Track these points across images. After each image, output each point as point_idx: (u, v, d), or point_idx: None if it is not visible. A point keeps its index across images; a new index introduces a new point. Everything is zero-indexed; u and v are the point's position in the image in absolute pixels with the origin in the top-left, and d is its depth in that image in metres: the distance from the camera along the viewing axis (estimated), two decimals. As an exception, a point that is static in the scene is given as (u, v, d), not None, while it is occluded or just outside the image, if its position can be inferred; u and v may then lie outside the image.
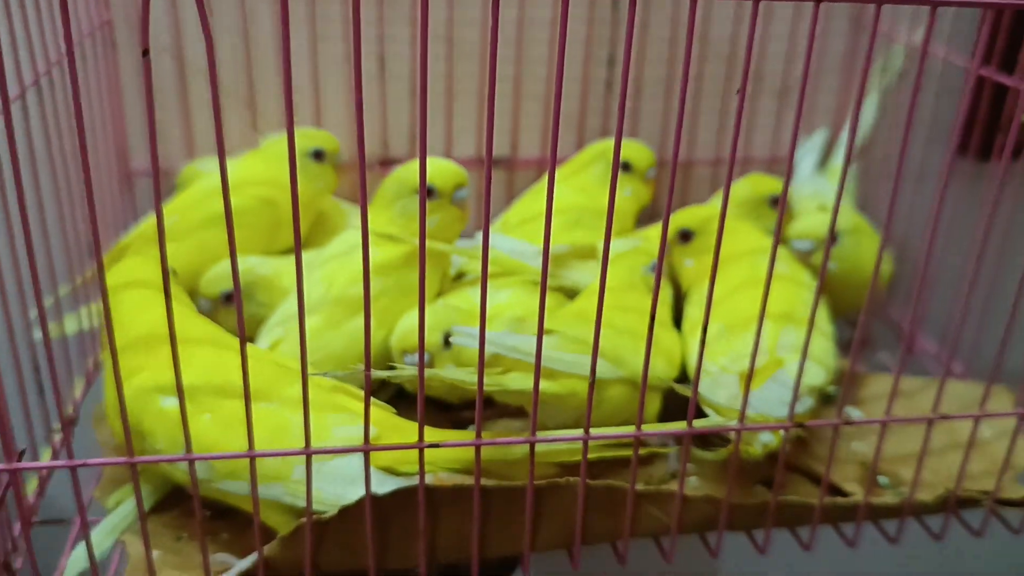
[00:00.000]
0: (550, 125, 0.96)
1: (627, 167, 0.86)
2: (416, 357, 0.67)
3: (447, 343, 0.69)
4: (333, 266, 0.73)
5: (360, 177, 0.44)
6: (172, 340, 0.48)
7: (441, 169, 0.74)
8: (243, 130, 0.92)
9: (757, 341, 0.54)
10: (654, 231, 0.85)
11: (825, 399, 0.71)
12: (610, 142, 0.88)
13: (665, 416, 0.68)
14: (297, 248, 0.47)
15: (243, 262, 0.76)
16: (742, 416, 0.56)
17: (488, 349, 0.60)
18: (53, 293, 0.73)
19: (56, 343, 0.62)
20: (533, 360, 0.51)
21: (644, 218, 0.91)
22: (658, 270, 0.51)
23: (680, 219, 0.78)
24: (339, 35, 0.89)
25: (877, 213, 0.94)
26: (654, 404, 0.68)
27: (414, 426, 0.57)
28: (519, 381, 0.60)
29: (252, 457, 0.51)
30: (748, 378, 0.55)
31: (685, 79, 0.45)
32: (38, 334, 0.64)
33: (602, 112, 0.96)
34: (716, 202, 0.88)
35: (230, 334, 0.63)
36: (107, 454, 0.67)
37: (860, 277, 0.83)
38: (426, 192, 0.73)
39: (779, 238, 0.52)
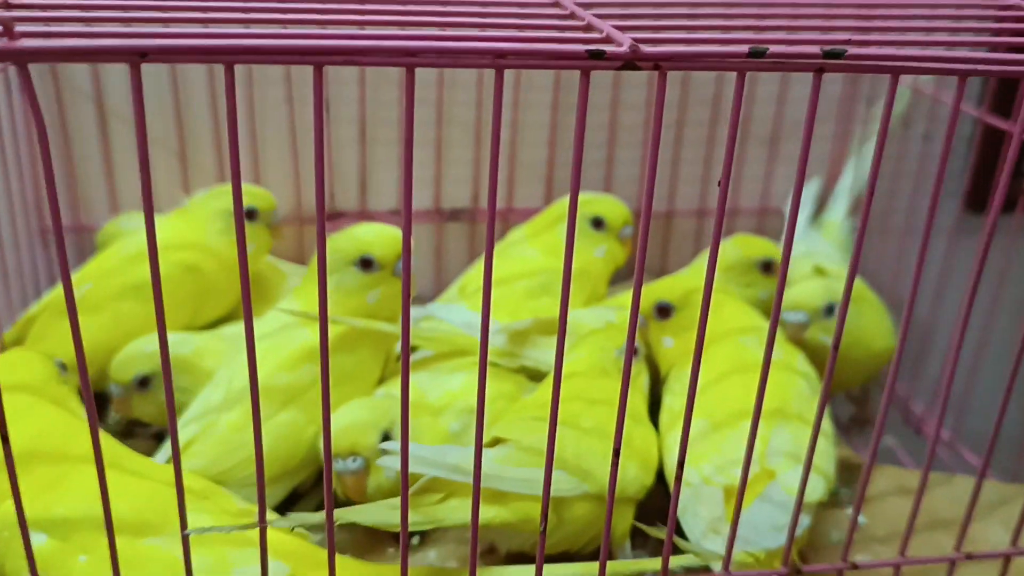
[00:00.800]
0: (515, 174, 0.86)
1: (600, 224, 0.77)
2: (350, 463, 0.58)
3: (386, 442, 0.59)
4: (257, 351, 0.63)
5: (319, 249, 0.34)
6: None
7: (381, 237, 0.64)
8: (172, 186, 0.83)
9: (747, 465, 0.45)
10: (628, 298, 0.76)
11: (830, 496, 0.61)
12: (581, 197, 0.79)
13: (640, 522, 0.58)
14: (249, 337, 0.37)
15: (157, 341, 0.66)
16: (727, 562, 0.46)
17: (421, 470, 0.50)
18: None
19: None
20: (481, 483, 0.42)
21: (620, 277, 0.82)
22: (627, 363, 0.41)
23: (657, 291, 0.69)
24: (278, 76, 0.80)
25: (875, 273, 0.85)
26: (625, 519, 0.58)
27: (342, 560, 0.47)
28: (459, 512, 0.50)
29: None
30: (736, 510, 0.45)
31: (657, 135, 0.36)
32: None
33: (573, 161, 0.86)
34: (699, 264, 0.79)
35: (124, 447, 0.54)
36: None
37: (861, 352, 0.74)
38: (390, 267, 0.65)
39: (777, 323, 0.43)
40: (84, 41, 0.31)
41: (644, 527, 0.50)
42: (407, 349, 0.40)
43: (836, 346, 0.44)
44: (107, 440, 0.54)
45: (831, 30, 0.44)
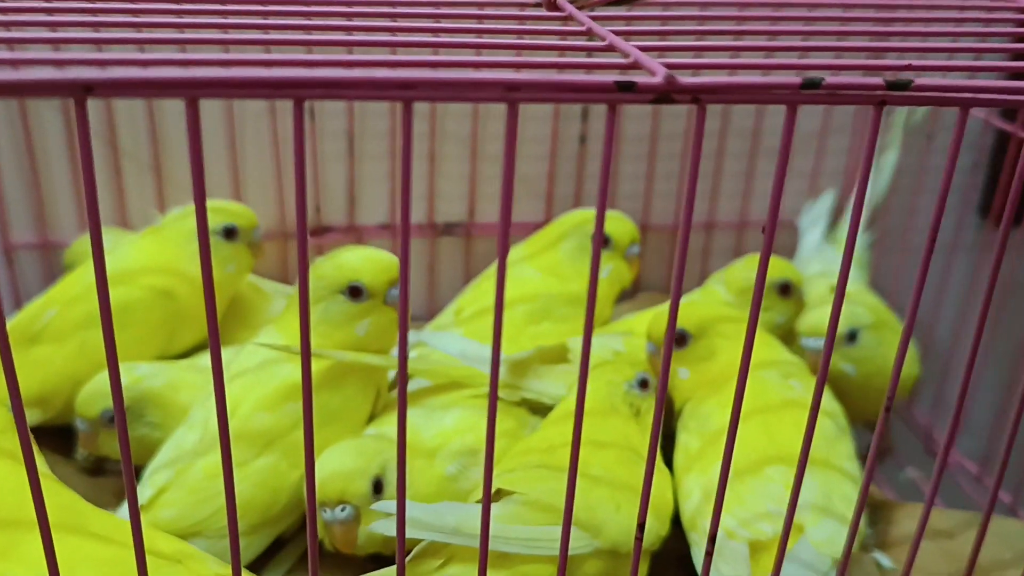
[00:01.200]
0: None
1: (606, 243, 0.72)
2: (338, 512, 0.53)
3: (377, 490, 0.54)
4: (235, 388, 0.58)
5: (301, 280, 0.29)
6: None
7: (371, 262, 0.59)
8: (145, 203, 0.78)
9: (786, 534, 0.40)
10: (639, 321, 0.71)
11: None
12: (585, 213, 0.74)
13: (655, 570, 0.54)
14: (219, 383, 0.32)
15: (130, 372, 0.62)
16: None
17: (418, 535, 0.45)
18: None
19: None
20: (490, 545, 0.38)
21: (624, 297, 0.77)
22: (657, 414, 0.36)
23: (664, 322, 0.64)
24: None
25: (897, 294, 0.80)
26: (640, 573, 0.53)
27: None
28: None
29: None
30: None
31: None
32: None
33: (574, 176, 0.81)
34: (709, 288, 0.74)
35: (86, 503, 0.48)
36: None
37: (883, 381, 0.69)
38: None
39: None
40: (18, 73, 0.26)
41: None
42: (404, 385, 0.35)
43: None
44: (68, 497, 0.48)
45: (854, 48, 0.39)
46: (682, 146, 0.82)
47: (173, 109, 0.75)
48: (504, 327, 0.68)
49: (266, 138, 0.76)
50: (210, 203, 0.69)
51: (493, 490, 0.51)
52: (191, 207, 0.69)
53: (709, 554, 0.39)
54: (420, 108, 0.76)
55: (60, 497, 0.48)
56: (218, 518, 0.55)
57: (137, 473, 0.63)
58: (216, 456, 0.55)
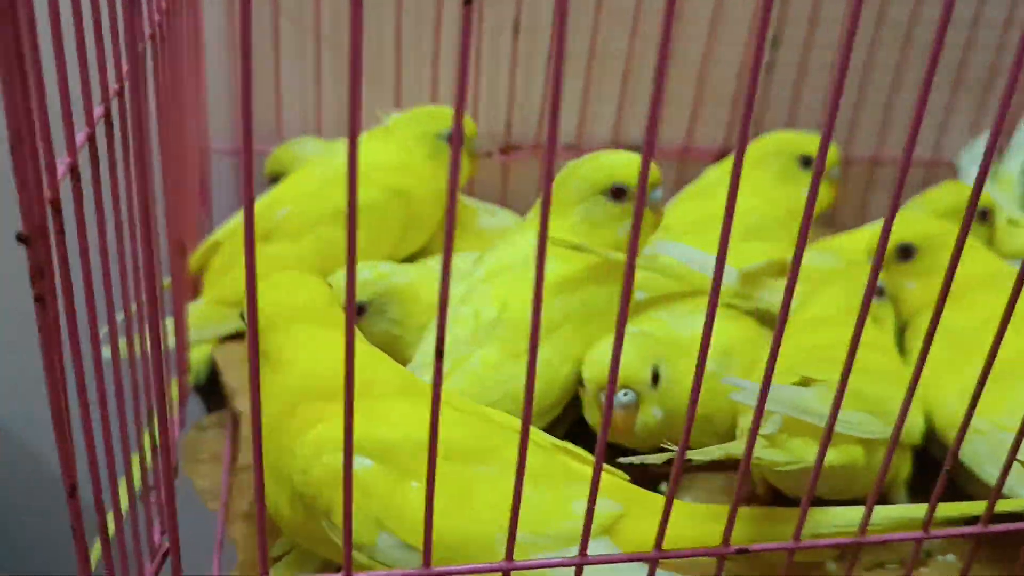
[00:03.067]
0: (698, 109, 0.83)
1: (809, 163, 0.73)
2: (620, 396, 0.54)
3: (655, 379, 0.56)
4: (504, 282, 0.59)
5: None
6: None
7: (633, 164, 0.60)
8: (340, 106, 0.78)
9: None
10: (847, 240, 0.73)
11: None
12: (788, 135, 0.75)
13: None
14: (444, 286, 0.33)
15: (374, 268, 0.62)
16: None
17: (778, 409, 0.47)
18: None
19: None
20: (824, 423, 0.41)
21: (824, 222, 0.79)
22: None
23: (897, 231, 0.65)
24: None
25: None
26: (907, 466, 0.56)
27: (676, 503, 0.44)
28: (801, 450, 0.47)
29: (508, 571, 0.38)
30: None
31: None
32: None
33: (759, 99, 0.83)
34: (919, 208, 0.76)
35: (415, 376, 0.50)
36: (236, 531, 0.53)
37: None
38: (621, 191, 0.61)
39: None
40: None
41: None
42: (629, 291, 0.35)
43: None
44: (400, 369, 0.50)
45: None
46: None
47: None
48: (715, 243, 0.70)
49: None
50: (434, 108, 0.70)
51: (801, 376, 0.53)
52: (416, 110, 0.70)
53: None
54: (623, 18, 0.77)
55: (404, 371, 0.49)
56: (501, 407, 0.56)
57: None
58: (492, 348, 0.57)
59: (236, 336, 0.67)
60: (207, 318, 0.67)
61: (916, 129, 0.33)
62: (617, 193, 0.60)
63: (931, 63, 0.31)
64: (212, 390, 0.68)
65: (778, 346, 0.38)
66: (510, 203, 0.78)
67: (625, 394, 0.54)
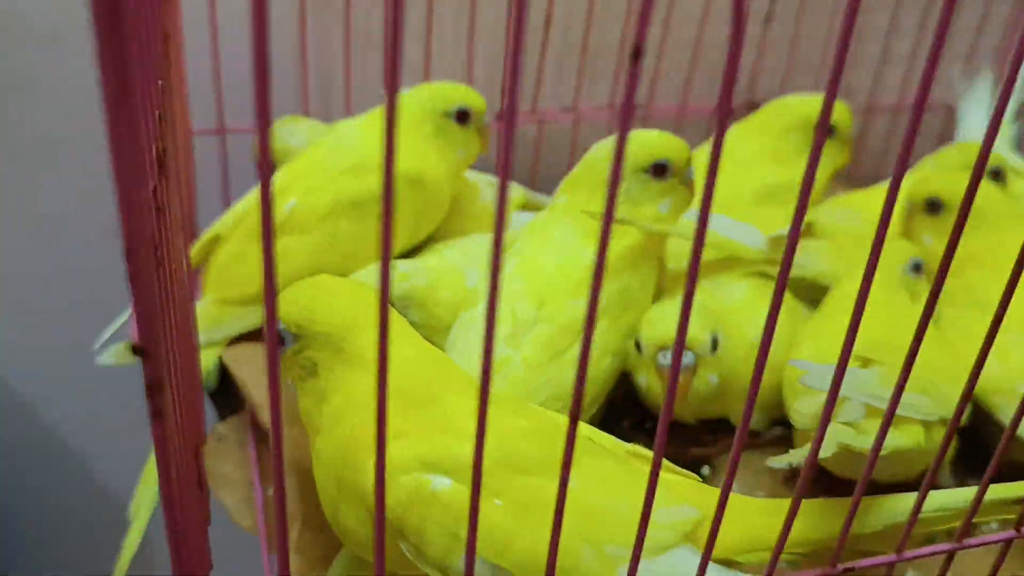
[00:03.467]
0: (693, 73, 0.80)
1: (831, 132, 0.71)
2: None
3: (714, 346, 0.55)
4: (540, 278, 0.57)
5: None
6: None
7: (673, 141, 0.58)
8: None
9: None
10: (873, 196, 0.71)
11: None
12: (806, 100, 0.73)
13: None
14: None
15: (394, 269, 0.59)
16: None
17: (850, 394, 0.46)
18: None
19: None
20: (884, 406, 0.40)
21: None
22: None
23: (929, 186, 0.64)
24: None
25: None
26: (952, 447, 0.56)
27: (743, 500, 0.44)
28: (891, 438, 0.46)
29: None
30: None
31: None
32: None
33: (749, 64, 0.80)
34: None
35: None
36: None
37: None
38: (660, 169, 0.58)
39: None
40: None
41: None
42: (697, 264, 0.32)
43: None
44: (464, 373, 0.47)
45: None
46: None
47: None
48: (733, 205, 0.68)
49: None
50: (441, 84, 0.66)
51: (861, 359, 0.52)
52: (418, 89, 0.66)
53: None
54: None
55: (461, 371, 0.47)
56: (549, 407, 0.53)
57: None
58: (532, 347, 0.54)
59: (245, 337, 0.64)
60: (215, 319, 0.63)
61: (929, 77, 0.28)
62: (658, 170, 0.58)
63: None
64: (221, 392, 0.64)
65: (855, 331, 0.36)
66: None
67: (685, 355, 0.53)
